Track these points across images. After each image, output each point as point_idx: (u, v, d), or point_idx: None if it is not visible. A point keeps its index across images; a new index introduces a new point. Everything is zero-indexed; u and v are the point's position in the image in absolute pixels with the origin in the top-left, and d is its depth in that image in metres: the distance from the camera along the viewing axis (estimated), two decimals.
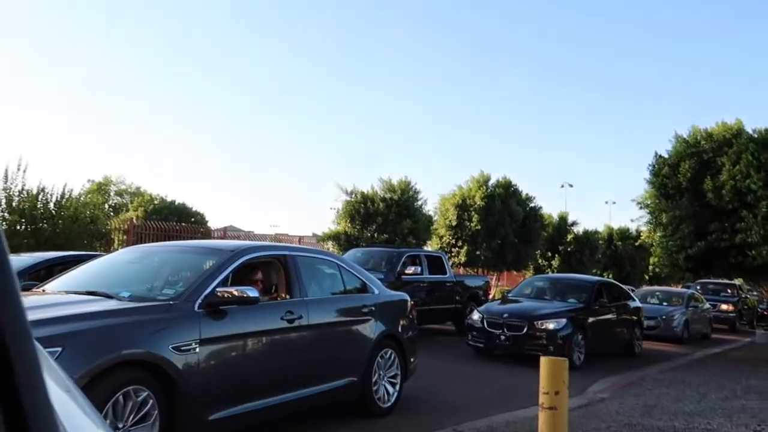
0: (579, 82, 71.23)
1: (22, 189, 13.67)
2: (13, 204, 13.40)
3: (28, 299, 4.14)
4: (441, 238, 22.27)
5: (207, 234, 19.05)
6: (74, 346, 3.43)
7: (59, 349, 3.32)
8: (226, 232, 20.05)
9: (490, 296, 15.88)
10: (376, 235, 19.56)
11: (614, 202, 49.73)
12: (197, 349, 4.07)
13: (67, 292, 4.49)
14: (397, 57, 72.20)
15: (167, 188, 78.68)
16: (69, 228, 13.62)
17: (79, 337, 3.49)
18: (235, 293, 4.36)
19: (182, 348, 3.98)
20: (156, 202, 25.27)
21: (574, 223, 29.27)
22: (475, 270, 23.24)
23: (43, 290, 4.68)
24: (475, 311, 10.93)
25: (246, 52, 74.14)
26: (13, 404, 0.53)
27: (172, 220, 20.00)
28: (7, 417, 0.53)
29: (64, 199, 14.11)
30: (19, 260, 6.75)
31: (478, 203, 21.55)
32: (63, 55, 62.16)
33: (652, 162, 14.10)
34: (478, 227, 21.28)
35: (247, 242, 5.90)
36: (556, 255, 28.15)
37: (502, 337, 10.02)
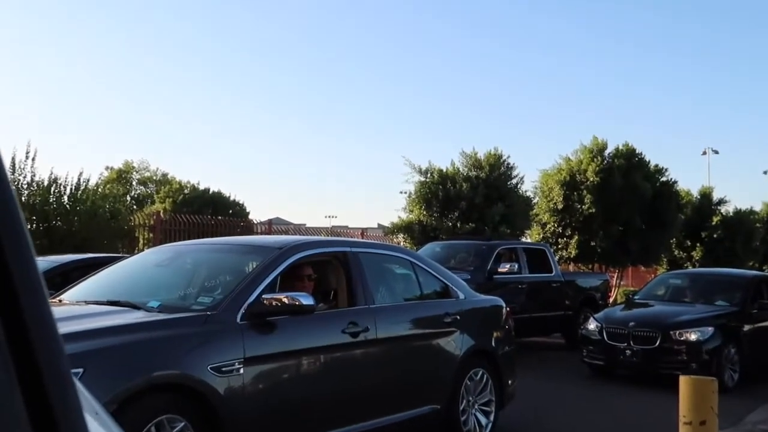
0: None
1: (32, 181, 14.34)
2: (22, 199, 13.95)
3: None
4: (544, 225, 21.93)
5: (249, 228, 19.55)
6: (96, 367, 3.60)
7: (79, 370, 3.50)
8: (271, 226, 20.52)
9: (610, 299, 15.53)
10: (459, 225, 19.48)
11: None
12: (241, 370, 4.20)
13: (87, 303, 4.72)
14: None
15: (199, 175, 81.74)
16: (86, 225, 14.27)
17: (101, 357, 3.66)
18: (286, 301, 4.46)
19: (224, 369, 4.11)
20: (186, 191, 26.12)
21: (721, 202, 28.10)
22: (590, 266, 22.73)
23: (60, 300, 4.92)
24: (592, 319, 10.80)
25: (285, 27, 77.18)
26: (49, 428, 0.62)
27: (206, 213, 20.64)
28: None
29: (80, 191, 14.77)
30: None
31: (592, 179, 21.06)
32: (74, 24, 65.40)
33: None
34: (592, 210, 20.83)
35: (298, 237, 6.02)
36: (698, 244, 27.15)
37: (628, 352, 9.82)
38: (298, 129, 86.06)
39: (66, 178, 14.79)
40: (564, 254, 21.48)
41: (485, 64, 77.66)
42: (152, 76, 71.77)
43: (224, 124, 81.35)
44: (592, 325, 10.52)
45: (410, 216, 20.46)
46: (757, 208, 30.72)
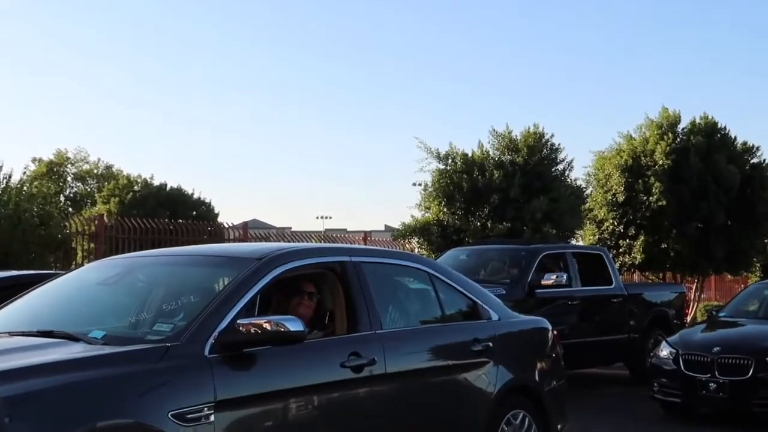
0: None
1: None
2: None
3: None
4: (600, 224, 21.88)
5: (218, 234, 19.57)
6: (25, 417, 3.59)
7: (4, 420, 3.51)
8: (247, 230, 20.51)
9: (688, 317, 15.47)
10: (489, 225, 19.45)
11: None
12: (212, 417, 4.19)
13: (11, 334, 4.71)
14: None
15: (152, 167, 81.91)
16: (8, 234, 14.31)
17: (31, 403, 3.65)
18: (268, 327, 4.46)
19: (189, 416, 4.10)
20: (137, 188, 26.18)
21: None
22: (661, 275, 22.66)
23: None
24: (664, 344, 10.79)
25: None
26: None
27: (162, 215, 20.66)
28: None
29: (0, 191, 14.84)
30: None
31: (662, 162, 20.99)
32: None
33: None
34: (663, 203, 20.75)
35: (282, 244, 6.00)
36: None
37: (712, 386, 9.80)
38: (278, 114, 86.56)
39: None
40: (627, 260, 21.41)
41: (507, 33, 77.55)
42: (84, 49, 71.89)
43: (185, 108, 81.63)
44: (664, 352, 10.49)
45: (426, 215, 20.41)
46: None
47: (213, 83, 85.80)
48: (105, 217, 18.64)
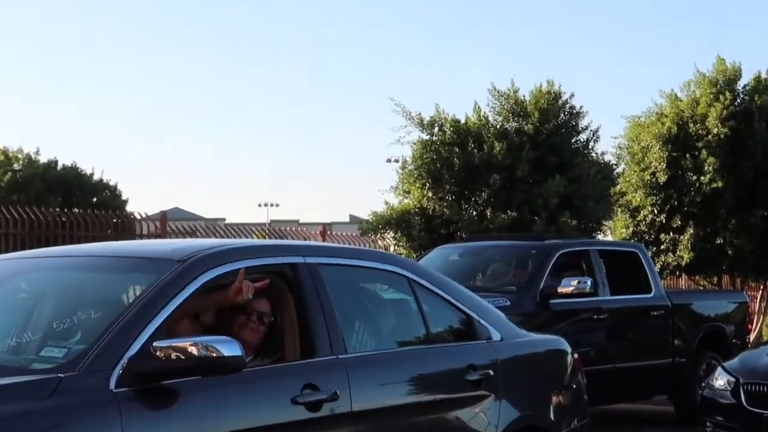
0: None
1: None
2: None
3: None
4: (634, 212, 21.95)
5: (127, 227, 19.46)
6: None
7: None
8: (166, 222, 20.40)
9: (751, 335, 15.54)
10: (489, 214, 19.49)
11: None
12: None
13: None
14: None
15: (38, 140, 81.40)
16: None
17: None
18: (194, 351, 4.44)
19: None
20: (17, 165, 25.95)
21: None
22: (715, 280, 22.75)
23: None
24: (720, 370, 10.83)
25: None
26: None
27: (52, 202, 20.50)
28: None
29: None
30: None
31: (717, 130, 21.07)
32: None
33: None
34: (718, 184, 20.84)
35: (213, 241, 5.98)
36: None
37: None
38: (208, 75, 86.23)
39: None
40: (670, 261, 21.52)
41: None
42: None
43: (82, 67, 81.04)
44: (721, 380, 10.55)
45: (405, 201, 20.42)
46: None
47: (116, 33, 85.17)
48: None
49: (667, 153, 21.25)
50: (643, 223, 21.77)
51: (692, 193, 21.15)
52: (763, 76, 22.14)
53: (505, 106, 20.64)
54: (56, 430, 4.08)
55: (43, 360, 4.53)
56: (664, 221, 21.54)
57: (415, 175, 19.94)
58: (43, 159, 26.13)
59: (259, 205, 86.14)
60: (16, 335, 4.98)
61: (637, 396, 13.63)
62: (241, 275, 5.11)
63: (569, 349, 6.93)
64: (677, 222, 21.41)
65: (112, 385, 4.32)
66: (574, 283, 11.94)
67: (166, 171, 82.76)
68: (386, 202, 20.52)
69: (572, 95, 20.91)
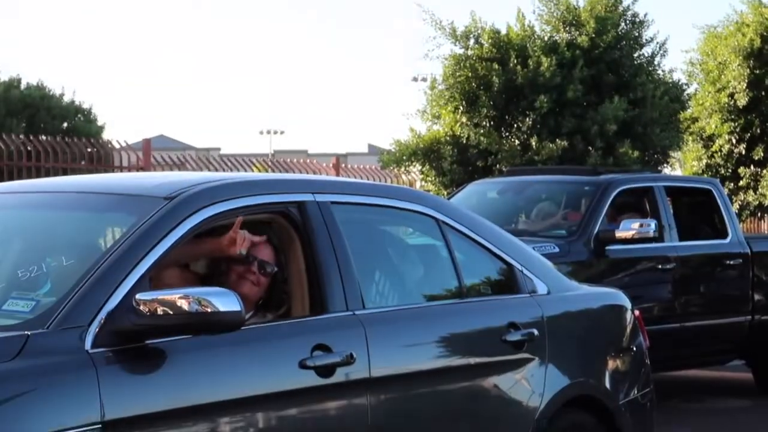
0: None
1: None
2: None
3: None
4: (709, 141, 21.93)
5: (104, 158, 19.49)
6: None
7: None
8: (150, 153, 20.45)
9: None
10: (534, 143, 19.47)
11: None
12: None
13: None
14: None
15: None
16: None
17: None
18: (184, 305, 4.45)
19: None
20: None
21: None
22: None
23: None
24: None
25: None
26: None
27: (16, 128, 20.50)
28: None
29: None
30: None
31: None
32: None
33: None
34: None
35: (206, 175, 5.98)
36: None
37: None
38: None
39: None
40: (751, 199, 21.50)
41: None
42: None
43: None
44: None
45: (435, 128, 20.41)
46: None
47: None
48: None
49: (748, 70, 21.17)
50: (719, 154, 21.75)
51: None
52: None
53: (555, 14, 20.58)
54: (22, 397, 4.10)
55: (7, 315, 4.53)
56: (743, 152, 21.53)
57: (447, 97, 19.94)
58: (2, 77, 26.16)
59: (261, 133, 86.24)
60: None
61: (709, 361, 13.66)
62: (238, 224, 5.13)
63: (629, 305, 6.94)
64: (759, 153, 21.39)
65: (87, 345, 4.34)
66: (636, 225, 11.90)
67: (149, 91, 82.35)
68: (412, 129, 20.57)
69: (635, 0, 20.81)
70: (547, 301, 6.31)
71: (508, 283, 6.31)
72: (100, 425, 4.21)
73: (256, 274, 5.39)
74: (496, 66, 19.52)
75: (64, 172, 16.70)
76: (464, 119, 19.69)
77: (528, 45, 19.93)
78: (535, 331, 6.08)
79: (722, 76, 21.47)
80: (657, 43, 20.93)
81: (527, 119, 19.59)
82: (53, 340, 4.30)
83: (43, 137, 19.32)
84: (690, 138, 21.89)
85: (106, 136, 23.80)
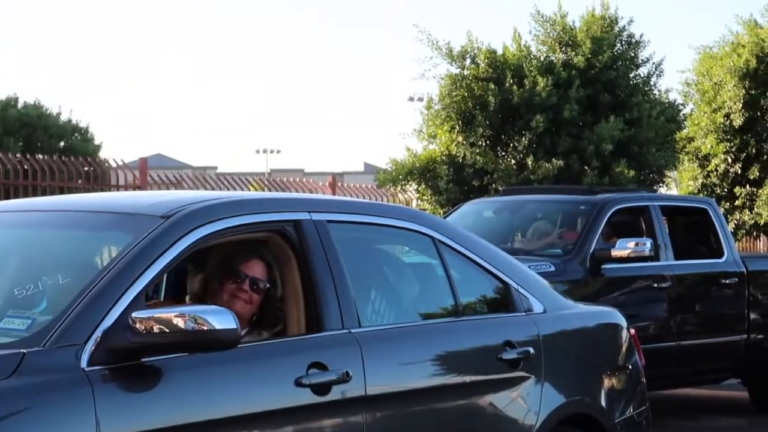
0: None
1: None
2: None
3: None
4: (704, 161, 21.93)
5: (101, 176, 19.47)
6: None
7: None
8: (147, 172, 20.46)
9: None
10: (530, 163, 19.48)
11: None
12: None
13: None
14: None
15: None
16: None
17: None
18: (180, 323, 4.46)
19: None
20: None
21: None
22: None
23: None
24: None
25: None
26: None
27: (10, 145, 20.48)
28: None
29: None
30: None
31: None
32: None
33: None
34: None
35: (202, 194, 5.98)
36: None
37: None
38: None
39: None
40: (747, 218, 21.48)
41: None
42: None
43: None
44: None
45: (431, 147, 20.39)
46: None
47: None
48: None
49: (744, 91, 21.19)
50: (715, 174, 21.76)
51: None
52: None
53: (551, 34, 20.59)
54: (18, 415, 4.09)
55: (2, 333, 4.53)
56: (739, 172, 21.54)
57: (443, 116, 19.94)
58: (0, 96, 26.17)
59: (257, 152, 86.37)
60: None
61: (704, 380, 13.63)
62: None
63: (625, 324, 6.94)
64: (755, 173, 21.40)
65: (83, 363, 4.34)
66: (631, 245, 11.90)
67: (146, 111, 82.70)
68: (408, 149, 20.59)
69: (631, 21, 20.90)
70: (542, 319, 6.31)
71: (504, 301, 6.31)
72: None
73: (248, 292, 5.40)
74: (492, 86, 19.53)
75: (61, 191, 16.70)
76: (460, 139, 19.70)
77: (524, 65, 19.95)
78: (531, 350, 6.08)
79: (718, 97, 21.52)
80: (653, 63, 20.98)
81: (523, 139, 19.59)
82: (49, 359, 4.30)
83: (40, 156, 19.31)
84: (686, 158, 21.92)
85: (102, 154, 23.81)
